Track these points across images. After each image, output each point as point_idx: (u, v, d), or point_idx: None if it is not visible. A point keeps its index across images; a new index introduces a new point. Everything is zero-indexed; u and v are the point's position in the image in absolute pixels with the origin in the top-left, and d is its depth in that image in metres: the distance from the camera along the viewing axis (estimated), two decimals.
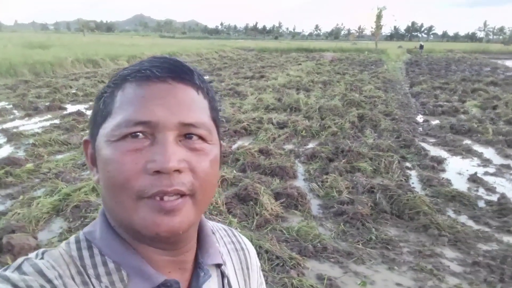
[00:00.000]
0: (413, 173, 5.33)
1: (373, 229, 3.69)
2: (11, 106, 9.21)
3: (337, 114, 8.46)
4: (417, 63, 26.19)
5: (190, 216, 0.51)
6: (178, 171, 0.49)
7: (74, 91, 11.47)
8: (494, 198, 4.50)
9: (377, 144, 6.17)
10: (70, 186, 4.41)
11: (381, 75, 16.57)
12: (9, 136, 6.60)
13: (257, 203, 4.01)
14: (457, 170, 5.47)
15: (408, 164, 5.67)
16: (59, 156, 5.69)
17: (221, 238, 0.69)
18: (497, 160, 6.01)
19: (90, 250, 0.53)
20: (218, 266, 0.63)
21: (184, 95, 0.52)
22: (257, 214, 3.86)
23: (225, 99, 10.59)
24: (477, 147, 6.66)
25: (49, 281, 0.48)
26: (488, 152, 6.41)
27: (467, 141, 7.01)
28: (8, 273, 0.47)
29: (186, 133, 0.52)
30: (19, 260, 0.50)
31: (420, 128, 7.97)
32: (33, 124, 7.61)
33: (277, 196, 4.26)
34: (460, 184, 4.92)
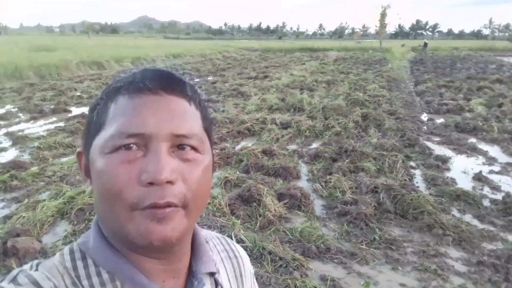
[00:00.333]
0: (417, 172, 5.31)
1: (377, 229, 3.67)
2: (16, 109, 9.28)
3: (341, 113, 8.43)
4: (422, 61, 26.05)
5: (182, 224, 0.52)
6: (170, 182, 0.50)
7: (79, 94, 11.55)
8: (499, 196, 4.46)
9: (381, 143, 6.14)
10: (75, 189, 4.43)
11: (386, 74, 16.50)
12: (14, 139, 6.65)
13: (260, 204, 4.01)
14: (462, 169, 5.44)
15: (412, 163, 5.64)
16: (63, 159, 5.73)
17: (215, 247, 0.69)
18: (503, 158, 5.96)
19: (84, 260, 0.54)
20: (212, 274, 0.63)
21: (176, 106, 0.53)
22: (260, 215, 3.86)
23: (229, 100, 10.60)
24: (482, 146, 6.61)
25: None
26: (494, 151, 6.36)
27: (472, 140, 6.96)
28: (4, 284, 0.48)
29: (179, 144, 0.53)
30: (14, 271, 0.51)
31: (425, 127, 7.93)
32: (38, 127, 7.66)
33: (280, 197, 4.26)
34: (465, 183, 4.89)
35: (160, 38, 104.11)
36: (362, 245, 3.44)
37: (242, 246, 3.29)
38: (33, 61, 16.31)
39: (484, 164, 5.71)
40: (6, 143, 6.52)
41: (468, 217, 4.00)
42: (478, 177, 5.05)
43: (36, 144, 6.28)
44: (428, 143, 6.62)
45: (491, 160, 5.84)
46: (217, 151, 5.81)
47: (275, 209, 3.95)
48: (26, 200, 4.28)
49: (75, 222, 3.82)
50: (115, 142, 0.50)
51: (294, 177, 5.04)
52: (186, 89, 0.55)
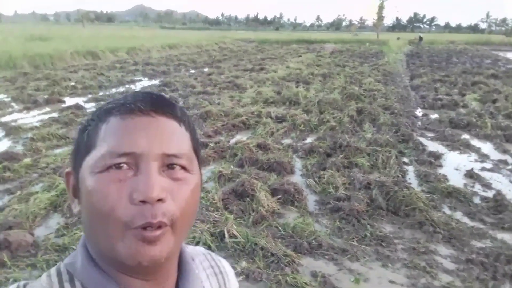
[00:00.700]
0: (410, 168, 5.34)
1: (368, 226, 3.70)
2: (9, 99, 9.21)
3: (336, 107, 8.44)
4: (418, 54, 26.05)
5: (170, 244, 0.53)
6: (161, 200, 0.51)
7: (73, 84, 11.45)
8: (490, 194, 4.51)
9: (375, 138, 6.16)
10: None
11: (382, 68, 16.50)
12: (7, 130, 6.61)
13: (253, 199, 4.03)
14: (454, 166, 5.48)
15: (405, 159, 5.68)
16: (57, 151, 5.71)
17: (200, 263, 0.70)
18: (495, 155, 6.01)
19: (72, 282, 0.54)
20: None
21: (166, 127, 0.55)
22: (253, 211, 3.88)
23: (224, 92, 10.57)
24: (475, 142, 6.66)
25: None
26: (486, 147, 6.41)
27: (466, 136, 7.00)
28: None
29: (169, 164, 0.54)
30: None
31: (419, 122, 7.96)
32: (31, 118, 7.61)
33: (274, 192, 4.27)
34: (457, 180, 4.93)
35: (156, 28, 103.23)
36: (354, 241, 3.47)
37: (234, 242, 3.32)
38: (27, 50, 16.14)
39: (476, 161, 5.76)
40: None
41: (458, 215, 4.04)
42: (470, 174, 5.09)
43: (29, 135, 6.24)
44: (422, 139, 6.66)
45: (483, 157, 5.88)
46: (211, 144, 5.81)
47: (268, 205, 3.97)
48: (18, 192, 4.27)
49: (68, 215, 3.82)
50: (106, 162, 0.51)
51: (288, 172, 5.06)
52: (176, 110, 0.57)
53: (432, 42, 42.42)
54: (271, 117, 7.59)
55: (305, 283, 2.85)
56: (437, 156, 5.73)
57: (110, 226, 0.50)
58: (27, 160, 5.14)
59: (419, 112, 9.01)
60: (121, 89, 11.20)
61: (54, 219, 3.81)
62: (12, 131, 6.54)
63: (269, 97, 9.43)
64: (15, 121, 7.28)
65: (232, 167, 5.06)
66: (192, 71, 16.00)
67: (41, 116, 7.72)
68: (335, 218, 3.86)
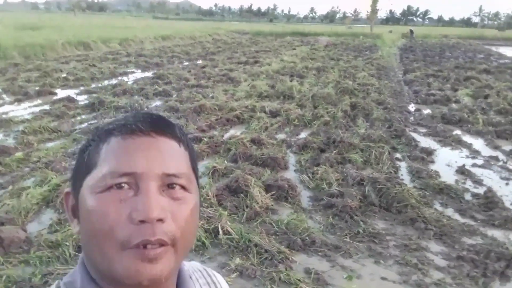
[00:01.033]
0: (402, 164, 5.38)
1: (361, 222, 3.74)
2: (0, 90, 9.09)
3: (330, 102, 8.46)
4: (412, 49, 26.11)
5: (171, 263, 0.53)
6: (161, 220, 0.52)
7: (64, 75, 11.32)
8: (481, 191, 4.56)
9: (368, 134, 6.20)
10: (60, 176, 4.40)
11: (375, 62, 16.52)
12: None
13: (247, 195, 4.03)
14: (446, 162, 5.53)
15: (398, 155, 5.72)
16: (49, 144, 5.66)
17: (197, 280, 0.71)
18: (486, 151, 6.08)
19: None
20: None
21: (166, 147, 0.56)
22: (247, 207, 3.89)
23: (218, 86, 10.53)
24: (467, 138, 6.72)
25: None
26: (478, 143, 6.47)
27: (458, 132, 7.07)
28: None
29: (169, 183, 0.55)
30: None
31: (412, 118, 8.01)
32: (22, 110, 7.52)
33: (268, 188, 4.29)
34: (449, 176, 4.98)
35: (149, 17, 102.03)
36: (347, 238, 3.50)
37: (228, 238, 3.34)
38: (18, 40, 15.88)
39: (467, 157, 5.82)
40: None
41: (450, 211, 4.09)
42: (462, 171, 5.15)
43: (20, 128, 6.18)
44: (414, 135, 6.71)
45: (474, 153, 5.95)
46: (205, 139, 5.80)
47: (262, 201, 3.98)
48: (10, 187, 4.24)
49: (60, 211, 3.79)
50: (107, 182, 0.52)
51: (282, 168, 5.07)
52: (176, 130, 0.58)
53: (426, 36, 42.49)
54: (265, 112, 7.59)
55: (299, 280, 2.87)
56: (429, 152, 5.78)
57: (108, 246, 0.51)
58: (18, 154, 5.09)
59: (412, 107, 9.06)
60: (114, 81, 11.09)
61: (46, 214, 3.79)
62: (3, 124, 6.46)
63: (263, 91, 9.41)
64: (6, 113, 7.19)
65: (226, 162, 5.05)
66: (186, 63, 15.90)
67: (32, 109, 7.63)
68: (328, 215, 3.89)
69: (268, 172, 4.80)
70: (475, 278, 2.99)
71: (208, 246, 3.27)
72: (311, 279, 2.93)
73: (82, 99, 8.53)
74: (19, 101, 8.24)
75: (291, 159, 5.45)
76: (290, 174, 4.93)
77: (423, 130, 7.13)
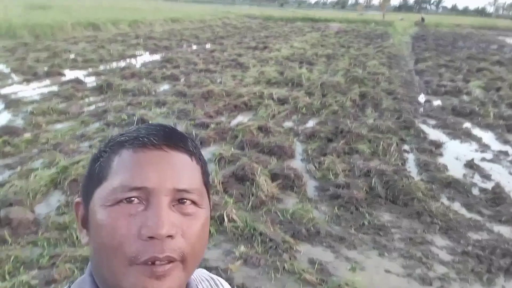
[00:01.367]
0: (410, 156, 5.34)
1: (367, 214, 3.73)
2: (9, 70, 9.11)
3: (339, 91, 8.37)
4: (424, 37, 25.66)
5: (179, 280, 0.53)
6: (170, 236, 0.51)
7: (73, 57, 11.32)
8: (489, 186, 4.52)
9: (377, 125, 6.14)
10: (68, 158, 4.43)
11: (387, 50, 16.28)
12: (7, 102, 6.57)
13: (253, 183, 4.03)
14: (455, 155, 5.48)
15: (406, 147, 5.67)
16: (58, 126, 5.69)
17: None
18: (496, 145, 6.00)
19: None
20: None
21: (178, 161, 0.55)
22: (253, 195, 3.90)
23: (227, 71, 10.46)
24: (477, 131, 6.64)
25: None
26: (487, 137, 6.39)
27: (467, 124, 6.97)
28: None
29: (180, 198, 0.54)
30: None
31: (422, 109, 7.92)
32: (31, 90, 7.55)
33: (274, 176, 4.28)
34: (457, 170, 4.93)
35: None
36: (352, 229, 3.50)
37: (233, 226, 3.35)
38: (28, 19, 15.87)
39: (477, 151, 5.75)
40: None
41: (456, 206, 4.06)
42: (470, 165, 5.09)
43: (29, 108, 6.21)
44: (424, 126, 6.64)
45: (484, 147, 5.87)
46: (213, 125, 5.79)
47: (268, 189, 3.98)
48: (19, 168, 4.28)
49: (68, 193, 3.83)
50: (117, 196, 0.52)
51: (289, 156, 5.05)
52: (188, 144, 0.57)
53: (438, 24, 41.73)
54: (273, 99, 7.54)
55: (303, 270, 2.88)
56: (438, 145, 5.72)
57: (116, 261, 0.51)
58: (27, 135, 5.13)
59: (422, 98, 8.95)
60: (122, 63, 11.07)
61: (54, 196, 3.83)
62: (12, 104, 6.51)
63: (272, 77, 9.34)
64: (15, 93, 7.23)
65: (232, 149, 5.05)
66: (195, 47, 15.81)
67: (41, 89, 7.66)
68: (334, 205, 3.88)
69: (275, 161, 4.78)
70: (480, 273, 2.98)
71: (213, 234, 3.29)
72: (315, 270, 2.94)
73: (91, 81, 8.53)
74: (28, 81, 8.27)
75: (298, 147, 5.43)
76: (297, 163, 4.91)
77: (433, 122, 7.04)
